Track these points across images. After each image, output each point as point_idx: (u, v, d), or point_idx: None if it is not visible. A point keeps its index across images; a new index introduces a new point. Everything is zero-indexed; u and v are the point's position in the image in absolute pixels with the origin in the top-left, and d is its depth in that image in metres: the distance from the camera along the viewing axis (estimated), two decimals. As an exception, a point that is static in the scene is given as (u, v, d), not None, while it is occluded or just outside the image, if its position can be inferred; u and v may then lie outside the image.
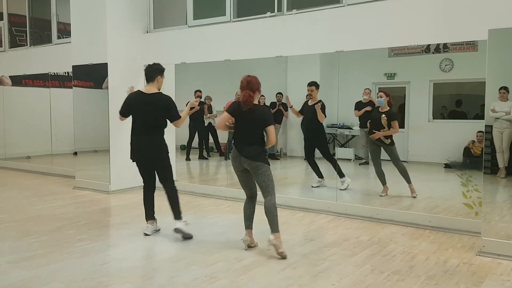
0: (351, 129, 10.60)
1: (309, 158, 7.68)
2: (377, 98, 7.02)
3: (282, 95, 10.62)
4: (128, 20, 8.17)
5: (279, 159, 10.98)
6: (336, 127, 10.82)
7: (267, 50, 6.94)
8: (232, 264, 4.37)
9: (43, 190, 8.29)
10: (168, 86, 8.49)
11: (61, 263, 4.41)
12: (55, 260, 4.48)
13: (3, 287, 3.86)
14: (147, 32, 8.42)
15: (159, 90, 5.42)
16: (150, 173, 5.53)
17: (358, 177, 9.30)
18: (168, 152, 5.48)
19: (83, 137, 8.63)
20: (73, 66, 8.54)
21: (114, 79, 7.94)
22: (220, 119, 4.92)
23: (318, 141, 7.63)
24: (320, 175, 7.59)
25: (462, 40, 5.72)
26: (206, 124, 11.48)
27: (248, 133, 4.78)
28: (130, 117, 5.42)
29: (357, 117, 8.97)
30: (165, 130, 5.48)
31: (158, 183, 5.57)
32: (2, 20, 11.14)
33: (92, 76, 8.33)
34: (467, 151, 9.45)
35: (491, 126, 5.14)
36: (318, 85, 7.47)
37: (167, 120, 5.37)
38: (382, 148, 7.03)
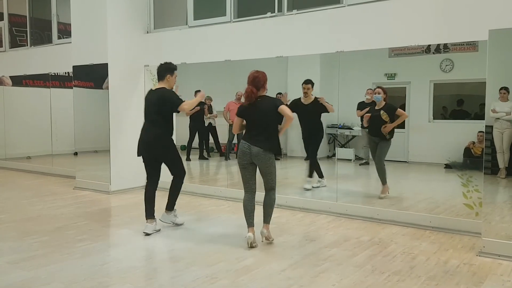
0: (352, 129, 10.61)
1: (314, 157, 7.64)
2: (374, 94, 6.98)
3: (282, 94, 10.62)
4: (129, 20, 8.18)
5: (279, 159, 10.98)
6: (336, 127, 10.83)
7: (267, 51, 6.94)
8: (232, 265, 4.37)
9: (44, 190, 8.30)
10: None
11: (61, 264, 4.41)
12: (55, 261, 4.48)
13: (3, 287, 3.86)
14: (148, 32, 8.42)
15: (171, 88, 5.58)
16: (152, 167, 5.68)
17: (359, 178, 9.31)
18: (173, 147, 5.64)
19: (83, 137, 8.63)
20: (73, 67, 8.54)
21: (115, 79, 7.95)
22: (234, 124, 5.08)
23: (316, 140, 7.59)
24: (321, 175, 7.57)
25: (463, 40, 5.72)
26: (206, 124, 11.49)
27: (260, 126, 4.87)
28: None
29: (359, 117, 8.95)
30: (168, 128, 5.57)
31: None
32: (3, 20, 11.15)
33: (93, 76, 8.33)
34: (467, 151, 9.45)
35: (492, 127, 5.14)
36: (313, 83, 7.43)
37: (170, 114, 5.53)
38: (379, 143, 6.97)
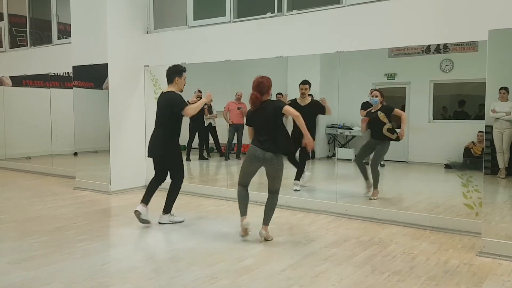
0: (351, 129, 10.60)
1: (306, 160, 7.61)
2: (372, 97, 6.92)
3: (282, 95, 10.62)
4: (128, 20, 8.18)
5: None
6: (336, 128, 10.82)
7: (267, 51, 6.94)
8: (232, 265, 4.37)
9: (44, 191, 8.30)
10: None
11: (62, 264, 4.41)
12: (55, 261, 4.48)
13: (3, 287, 3.87)
14: (148, 32, 8.42)
15: (180, 90, 5.72)
16: (160, 168, 5.83)
17: (359, 178, 9.28)
18: (175, 149, 5.74)
19: (83, 138, 8.63)
20: (73, 67, 8.55)
21: (114, 79, 7.95)
22: (248, 133, 5.20)
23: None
24: (298, 177, 7.53)
25: (462, 40, 5.72)
26: (206, 124, 11.49)
27: (268, 130, 4.95)
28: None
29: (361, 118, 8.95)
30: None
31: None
32: (3, 20, 11.15)
33: (92, 76, 8.34)
34: (467, 151, 9.45)
35: (491, 127, 5.14)
36: (311, 84, 7.40)
37: (176, 117, 5.61)
38: (376, 147, 6.95)
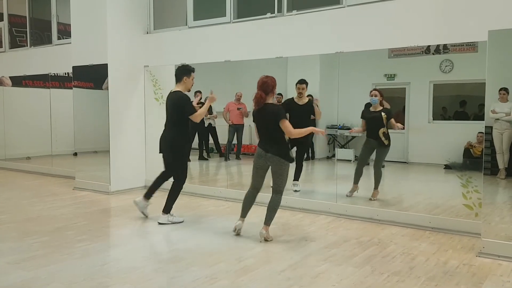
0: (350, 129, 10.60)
1: (302, 161, 7.58)
2: (371, 97, 6.88)
3: (282, 96, 10.62)
4: (128, 20, 8.18)
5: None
6: (336, 128, 10.82)
7: (267, 51, 6.94)
8: (232, 265, 4.37)
9: (43, 191, 8.30)
10: (168, 87, 8.52)
11: (61, 264, 4.41)
12: (55, 261, 4.49)
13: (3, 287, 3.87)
14: (147, 32, 8.42)
15: (188, 90, 5.86)
16: (166, 165, 6.00)
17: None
18: (180, 150, 5.84)
19: (83, 138, 8.63)
20: (73, 67, 8.55)
21: (114, 80, 7.95)
22: (255, 132, 5.29)
23: (307, 142, 7.53)
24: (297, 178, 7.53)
25: (462, 41, 5.72)
26: (206, 125, 11.48)
27: (267, 132, 5.04)
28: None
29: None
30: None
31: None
32: (2, 20, 11.15)
33: (92, 76, 8.34)
34: (467, 152, 9.45)
35: (491, 127, 5.15)
36: (307, 83, 7.36)
37: (183, 117, 5.73)
38: (377, 147, 6.92)
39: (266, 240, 5.08)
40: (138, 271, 4.24)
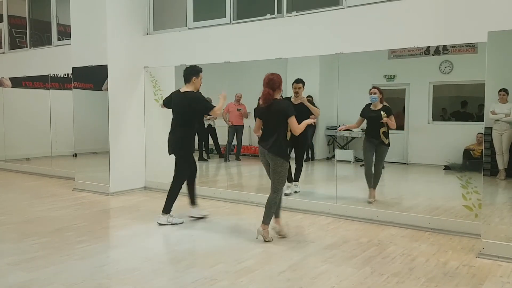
0: (351, 131, 10.60)
1: (301, 162, 7.54)
2: (370, 95, 6.83)
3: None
4: (128, 22, 8.18)
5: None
6: (335, 129, 10.82)
7: (266, 52, 6.94)
8: (232, 266, 4.37)
9: (43, 192, 8.29)
10: (167, 88, 8.53)
11: (61, 265, 4.41)
12: (55, 262, 4.48)
13: (2, 289, 3.87)
14: (147, 34, 8.43)
15: (197, 90, 5.88)
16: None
17: (358, 179, 9.28)
18: (188, 151, 5.90)
19: (83, 139, 8.63)
20: (73, 68, 8.55)
21: (114, 81, 7.95)
22: (255, 125, 5.29)
23: (304, 143, 7.50)
24: (297, 178, 7.47)
25: (462, 42, 5.72)
26: (206, 125, 11.49)
27: (271, 129, 5.05)
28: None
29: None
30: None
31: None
32: (2, 22, 11.15)
33: (92, 78, 8.34)
34: (467, 153, 9.45)
35: (491, 128, 5.15)
36: (304, 82, 7.24)
37: (196, 117, 5.83)
38: (377, 146, 6.89)
39: (264, 239, 5.08)
40: (137, 272, 4.24)
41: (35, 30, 10.64)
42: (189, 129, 5.86)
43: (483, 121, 5.09)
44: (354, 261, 4.53)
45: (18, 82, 11.12)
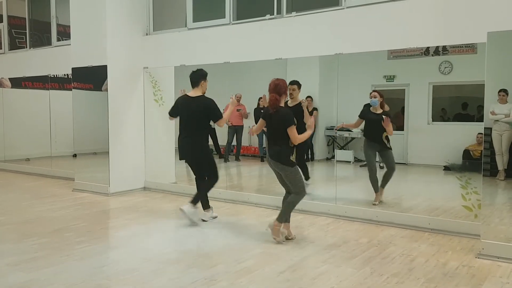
0: (351, 131, 10.61)
1: (303, 162, 7.50)
2: (370, 98, 6.78)
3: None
4: (128, 22, 8.18)
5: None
6: (335, 130, 10.82)
7: (266, 53, 6.94)
8: (231, 267, 4.37)
9: (43, 192, 8.29)
10: (167, 88, 8.55)
11: (61, 266, 4.41)
12: (54, 263, 4.48)
13: (2, 290, 3.87)
14: (147, 34, 8.43)
15: (203, 93, 5.91)
16: (197, 169, 6.09)
17: (358, 179, 9.31)
18: (210, 152, 6.05)
19: (82, 139, 8.62)
20: (72, 68, 8.55)
21: (114, 81, 7.95)
22: (257, 125, 5.30)
23: (302, 144, 7.45)
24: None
25: (461, 42, 5.72)
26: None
27: (274, 135, 5.06)
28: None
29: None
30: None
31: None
32: (2, 22, 11.15)
33: (92, 78, 8.34)
34: (466, 153, 9.46)
35: (490, 129, 5.15)
36: (300, 84, 7.08)
37: (209, 121, 5.86)
38: (377, 152, 6.86)
39: (274, 237, 5.04)
40: (137, 273, 4.24)
41: (34, 30, 10.64)
42: (205, 132, 5.93)
43: (482, 121, 5.09)
44: (354, 261, 4.53)
45: (17, 83, 11.12)
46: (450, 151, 9.78)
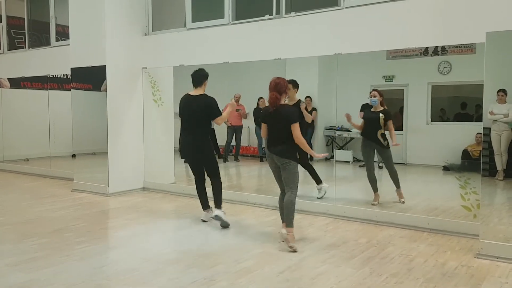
0: (350, 131, 10.62)
1: (307, 162, 7.49)
2: (370, 97, 6.80)
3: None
4: (127, 22, 8.17)
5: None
6: (334, 130, 10.84)
7: (265, 53, 6.94)
8: (231, 267, 4.37)
9: (42, 193, 8.29)
10: (166, 88, 8.55)
11: (60, 266, 4.41)
12: (54, 263, 4.48)
13: (2, 290, 3.87)
14: (146, 34, 8.42)
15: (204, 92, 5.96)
16: (198, 168, 6.08)
17: (357, 179, 9.31)
18: (212, 150, 5.99)
19: (81, 140, 8.62)
20: (71, 69, 8.54)
21: (113, 81, 7.95)
22: (262, 130, 5.25)
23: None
24: (319, 180, 7.37)
25: (460, 42, 5.72)
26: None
27: (277, 132, 5.04)
28: None
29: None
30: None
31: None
32: (1, 22, 11.14)
33: (91, 78, 8.33)
34: (465, 153, 9.47)
35: (489, 129, 5.16)
36: (298, 84, 7.05)
37: (210, 120, 5.86)
38: (375, 151, 6.89)
39: (289, 243, 4.89)
40: (137, 273, 4.24)
41: (33, 30, 10.63)
42: (207, 130, 5.94)
43: (481, 121, 5.09)
44: (353, 261, 4.54)
45: (16, 83, 11.12)
46: (449, 151, 9.80)
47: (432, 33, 5.57)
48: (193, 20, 7.87)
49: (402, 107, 10.60)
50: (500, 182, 5.19)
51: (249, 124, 11.57)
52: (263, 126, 5.20)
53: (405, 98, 10.68)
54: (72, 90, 8.62)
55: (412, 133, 10.45)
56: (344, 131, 10.75)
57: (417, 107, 10.53)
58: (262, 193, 7.42)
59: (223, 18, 7.44)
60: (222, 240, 5.28)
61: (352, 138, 10.85)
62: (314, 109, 9.68)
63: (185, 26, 7.98)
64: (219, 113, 5.84)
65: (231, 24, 7.38)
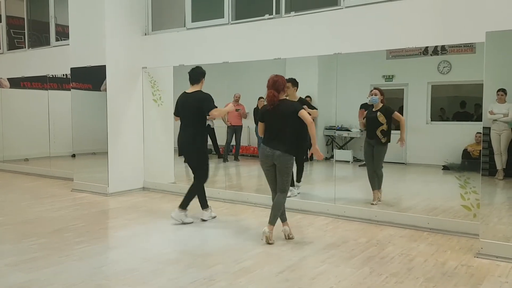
0: (350, 131, 10.63)
1: (302, 162, 7.48)
2: (371, 96, 6.76)
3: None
4: (127, 22, 8.17)
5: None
6: (334, 129, 10.84)
7: (265, 53, 6.94)
8: (231, 267, 4.37)
9: (42, 193, 8.28)
10: (166, 88, 8.55)
11: (60, 266, 4.41)
12: (53, 263, 4.48)
13: (1, 290, 3.86)
14: (146, 34, 8.42)
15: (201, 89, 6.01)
16: (191, 165, 6.10)
17: (357, 179, 9.31)
18: (203, 148, 5.98)
19: (81, 140, 8.61)
20: (71, 69, 8.54)
21: (112, 81, 7.94)
22: (259, 128, 5.26)
23: (303, 142, 7.43)
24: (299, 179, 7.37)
25: (460, 42, 5.73)
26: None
27: (279, 129, 5.03)
28: None
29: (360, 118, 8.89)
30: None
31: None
32: (1, 22, 11.13)
33: (90, 78, 8.33)
34: (465, 153, 9.47)
35: (489, 128, 5.16)
36: (297, 82, 7.04)
37: (204, 115, 5.86)
38: (374, 146, 6.87)
39: (268, 241, 5.04)
40: (136, 273, 4.24)
41: (33, 30, 10.63)
42: (200, 125, 5.93)
43: (481, 120, 5.09)
44: (353, 261, 4.54)
45: (16, 83, 11.12)
46: (449, 150, 9.80)
47: (432, 33, 5.57)
48: (193, 20, 7.87)
49: (402, 106, 10.60)
50: (500, 182, 5.19)
51: (249, 124, 11.56)
52: (260, 124, 5.20)
53: (405, 98, 10.69)
54: (72, 90, 8.62)
55: (412, 132, 10.43)
56: (344, 130, 10.75)
57: (417, 106, 10.53)
58: (262, 193, 7.41)
59: (223, 18, 7.43)
60: (222, 240, 5.28)
61: (352, 138, 10.85)
62: (314, 108, 9.67)
63: (185, 26, 7.98)
64: (212, 106, 5.82)
65: (231, 24, 7.37)
